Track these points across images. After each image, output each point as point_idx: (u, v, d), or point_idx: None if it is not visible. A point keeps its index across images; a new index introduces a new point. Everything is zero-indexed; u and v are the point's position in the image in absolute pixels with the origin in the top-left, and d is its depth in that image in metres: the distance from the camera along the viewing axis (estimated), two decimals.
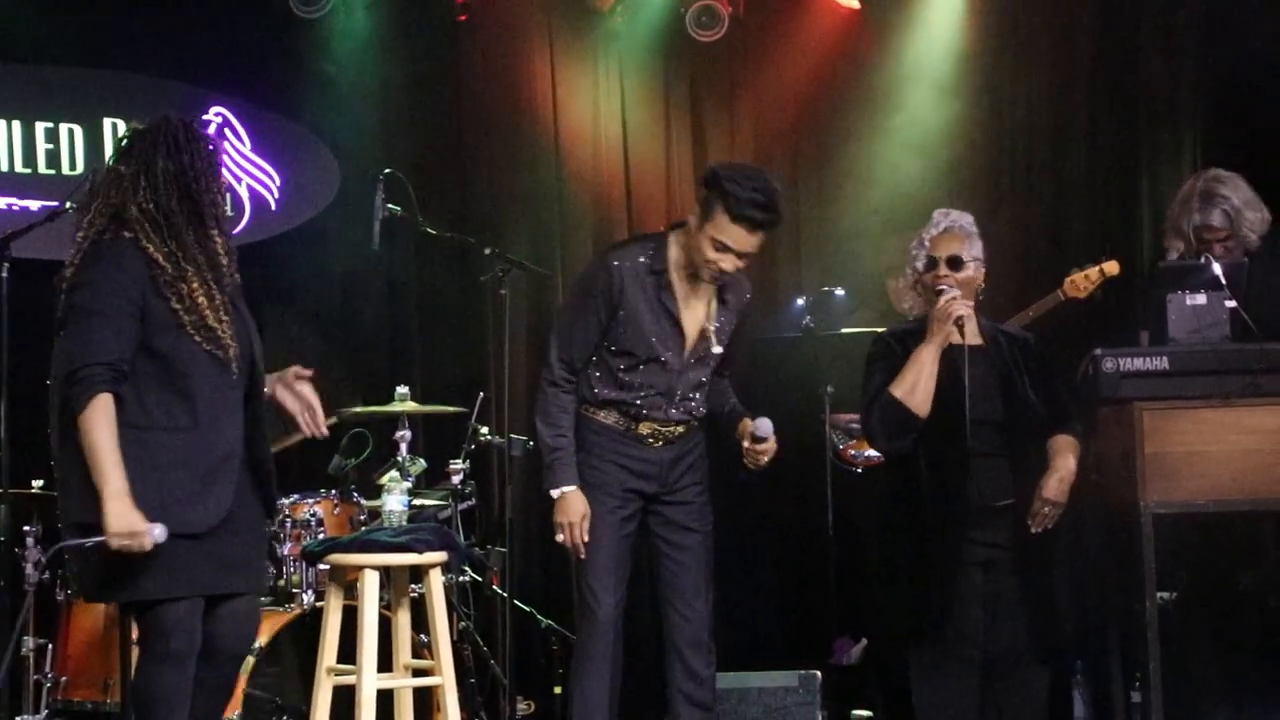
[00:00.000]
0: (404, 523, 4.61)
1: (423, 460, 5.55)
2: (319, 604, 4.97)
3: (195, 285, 3.91)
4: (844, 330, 6.23)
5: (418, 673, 4.62)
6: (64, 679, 5.21)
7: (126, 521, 3.78)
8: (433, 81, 6.96)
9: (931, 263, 4.66)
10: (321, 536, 5.26)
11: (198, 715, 4.02)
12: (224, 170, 4.12)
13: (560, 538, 4.56)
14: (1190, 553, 5.12)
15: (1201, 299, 4.80)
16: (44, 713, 5.20)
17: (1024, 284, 6.21)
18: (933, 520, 4.54)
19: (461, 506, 5.69)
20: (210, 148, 4.06)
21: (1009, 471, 4.59)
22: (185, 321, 3.88)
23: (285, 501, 5.38)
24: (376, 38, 6.84)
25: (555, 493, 4.54)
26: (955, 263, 4.62)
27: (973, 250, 4.66)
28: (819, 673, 5.55)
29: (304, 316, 6.59)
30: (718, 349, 4.63)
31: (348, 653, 4.47)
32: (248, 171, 6.74)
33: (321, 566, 4.99)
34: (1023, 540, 4.57)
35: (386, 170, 5.42)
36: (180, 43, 6.60)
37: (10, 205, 6.40)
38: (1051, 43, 7.13)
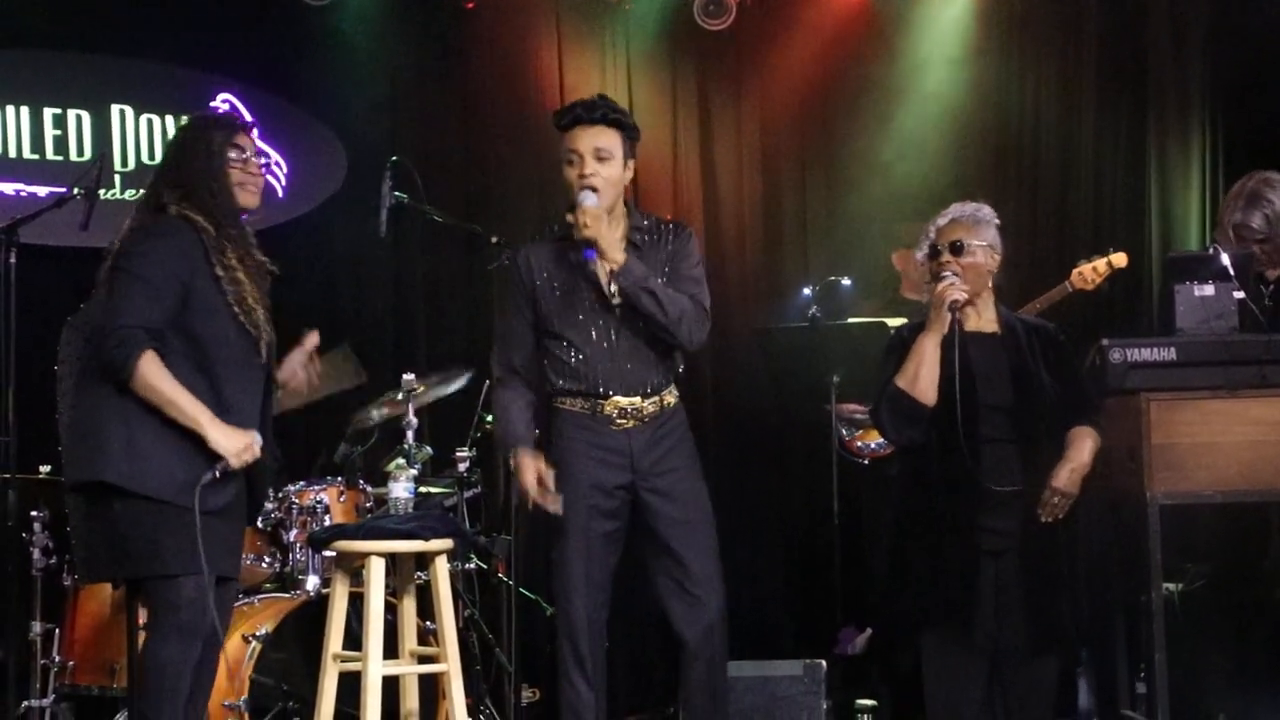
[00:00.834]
0: (410, 510, 4.62)
1: (429, 448, 5.55)
2: (325, 591, 4.98)
3: (235, 261, 4.07)
4: (850, 320, 6.22)
5: (423, 660, 4.62)
6: (71, 663, 5.22)
7: (236, 439, 3.99)
8: (440, 69, 6.96)
9: (934, 250, 4.64)
10: (328, 523, 5.27)
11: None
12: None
13: (530, 505, 4.50)
14: (1197, 545, 5.13)
15: (1210, 290, 4.78)
16: (51, 697, 5.21)
17: (1030, 276, 6.19)
18: (944, 508, 4.53)
19: (467, 494, 5.70)
20: (232, 130, 4.21)
21: (1018, 458, 4.57)
22: (229, 296, 4.04)
23: (292, 488, 5.40)
24: (384, 24, 6.83)
25: (511, 462, 4.51)
26: (957, 248, 4.59)
27: (980, 236, 4.62)
28: (824, 662, 5.56)
29: (310, 304, 6.59)
30: (617, 300, 4.49)
31: (353, 639, 4.48)
32: None
33: (328, 553, 4.99)
34: (1033, 530, 4.55)
35: (394, 158, 5.42)
36: (188, 29, 6.58)
37: (18, 191, 6.40)
38: (1060, 33, 7.12)
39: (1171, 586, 5.02)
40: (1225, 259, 4.80)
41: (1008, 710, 4.63)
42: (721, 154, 7.17)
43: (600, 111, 4.52)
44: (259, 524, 5.31)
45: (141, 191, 4.52)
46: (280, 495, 5.40)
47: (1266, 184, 5.21)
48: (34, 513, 5.29)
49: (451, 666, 4.48)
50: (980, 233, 4.63)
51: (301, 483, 5.44)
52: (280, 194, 6.75)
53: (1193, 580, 5.21)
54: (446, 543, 4.51)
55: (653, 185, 7.00)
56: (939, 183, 6.74)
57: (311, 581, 5.26)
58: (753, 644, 5.83)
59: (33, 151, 6.47)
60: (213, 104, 6.59)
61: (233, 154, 4.16)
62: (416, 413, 5.25)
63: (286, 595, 5.28)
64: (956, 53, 7.10)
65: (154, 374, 3.97)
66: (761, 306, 6.98)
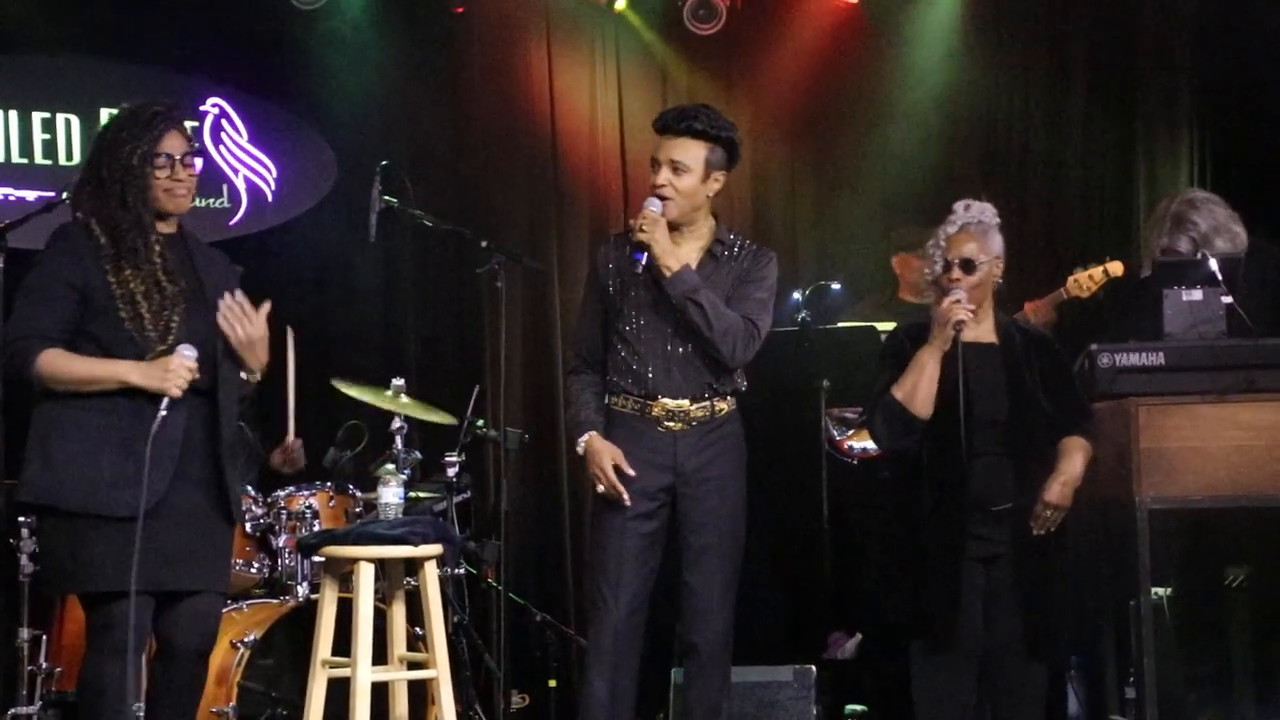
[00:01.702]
0: (400, 515, 4.61)
1: (418, 453, 5.54)
2: (314, 596, 4.97)
3: (129, 272, 3.96)
4: (840, 324, 6.22)
5: (412, 665, 4.62)
6: (58, 670, 5.20)
7: (157, 370, 3.87)
8: (430, 73, 6.95)
9: (946, 265, 4.63)
10: (317, 528, 5.26)
11: (166, 716, 4.01)
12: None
13: (600, 489, 4.47)
14: (1183, 549, 5.13)
15: (1198, 294, 4.79)
16: (38, 704, 5.19)
17: (1018, 283, 6.17)
18: (935, 517, 4.53)
19: (457, 499, 5.68)
20: (157, 133, 4.03)
21: (1011, 472, 4.57)
22: (119, 303, 3.94)
23: (281, 494, 5.40)
24: (374, 29, 6.83)
25: (580, 448, 4.51)
26: (968, 266, 4.59)
27: (988, 249, 4.61)
28: (813, 667, 5.55)
29: (300, 307, 6.58)
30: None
31: (342, 645, 4.47)
32: (244, 163, 6.73)
33: (316, 559, 4.99)
34: (1024, 540, 4.55)
35: (384, 162, 5.41)
36: (178, 33, 6.58)
37: (7, 196, 6.39)
38: (1048, 39, 7.13)
39: (1159, 591, 5.02)
40: (1214, 264, 4.80)
41: (997, 715, 4.64)
42: None
43: (685, 123, 4.48)
44: (248, 529, 5.31)
45: None
46: (269, 500, 5.40)
47: (1190, 205, 5.18)
48: (21, 518, 5.27)
49: (441, 672, 4.48)
50: (989, 244, 4.62)
51: (291, 488, 5.43)
52: (270, 198, 6.75)
53: (1179, 585, 5.21)
54: (436, 548, 4.50)
55: (643, 188, 6.91)
56: (928, 187, 6.74)
57: (300, 588, 5.25)
58: (742, 648, 5.82)
59: (21, 155, 6.47)
60: (202, 108, 6.60)
61: (159, 160, 3.99)
62: (405, 418, 5.25)
63: (275, 601, 5.27)
64: (945, 58, 7.11)
65: (54, 364, 3.90)
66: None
